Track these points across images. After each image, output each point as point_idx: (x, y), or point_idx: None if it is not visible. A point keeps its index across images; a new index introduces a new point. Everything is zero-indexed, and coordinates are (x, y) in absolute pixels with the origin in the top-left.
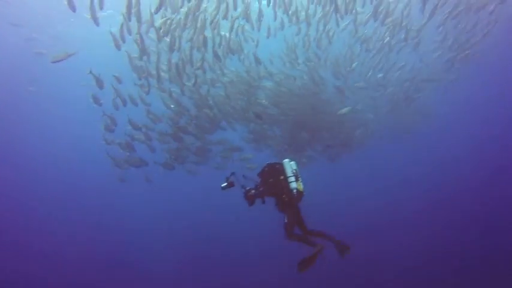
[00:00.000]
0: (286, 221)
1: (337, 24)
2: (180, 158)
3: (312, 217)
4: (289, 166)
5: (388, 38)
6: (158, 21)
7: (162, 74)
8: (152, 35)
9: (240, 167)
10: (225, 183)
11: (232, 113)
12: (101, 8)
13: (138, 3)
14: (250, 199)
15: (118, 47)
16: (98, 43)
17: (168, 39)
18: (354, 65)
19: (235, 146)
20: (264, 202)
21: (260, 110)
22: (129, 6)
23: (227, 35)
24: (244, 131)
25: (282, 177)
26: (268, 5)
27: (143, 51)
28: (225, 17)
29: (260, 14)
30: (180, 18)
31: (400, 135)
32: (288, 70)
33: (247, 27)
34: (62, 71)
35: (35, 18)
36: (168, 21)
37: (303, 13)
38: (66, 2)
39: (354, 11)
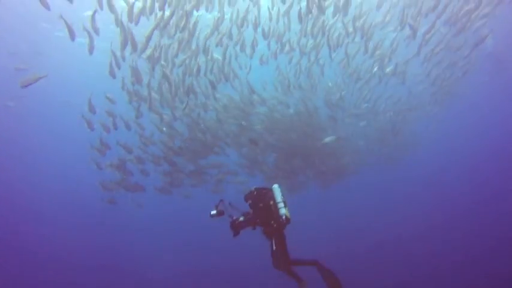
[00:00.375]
0: (274, 248)
1: (330, 57)
2: (175, 181)
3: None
4: (279, 192)
5: (376, 69)
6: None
7: (154, 95)
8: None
9: (235, 190)
10: (215, 211)
11: (224, 138)
12: (97, 34)
13: (130, 33)
14: (238, 228)
15: (113, 75)
16: (81, 60)
17: (163, 62)
18: (342, 93)
19: (231, 170)
20: (255, 228)
21: (253, 136)
22: (124, 37)
23: (219, 57)
24: (238, 155)
25: (271, 202)
26: (264, 37)
27: (138, 79)
28: (218, 44)
29: (254, 44)
30: (171, 44)
31: (389, 163)
32: (281, 96)
33: (239, 53)
34: (43, 87)
35: (16, 33)
36: (158, 49)
37: (295, 41)
38: (66, 30)
39: (345, 42)
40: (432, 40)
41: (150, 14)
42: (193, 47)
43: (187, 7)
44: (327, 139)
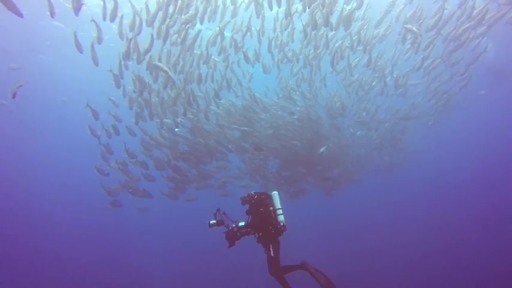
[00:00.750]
0: (272, 254)
1: (333, 67)
2: (180, 186)
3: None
4: (278, 198)
5: (376, 81)
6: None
7: (155, 99)
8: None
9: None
10: (214, 221)
11: (226, 144)
12: (100, 43)
13: (136, 43)
14: (234, 238)
15: (118, 85)
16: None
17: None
18: (343, 102)
19: (235, 174)
20: (254, 233)
21: (255, 142)
22: (127, 49)
23: (219, 60)
24: (240, 162)
25: (271, 208)
26: (269, 49)
27: (141, 89)
28: (220, 52)
29: (258, 54)
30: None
31: (389, 171)
32: (282, 102)
33: (242, 61)
34: (36, 86)
35: (9, 30)
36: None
37: (297, 51)
38: (74, 45)
39: (346, 54)
40: (431, 54)
41: (150, 25)
42: (195, 56)
43: (187, 16)
44: (321, 149)
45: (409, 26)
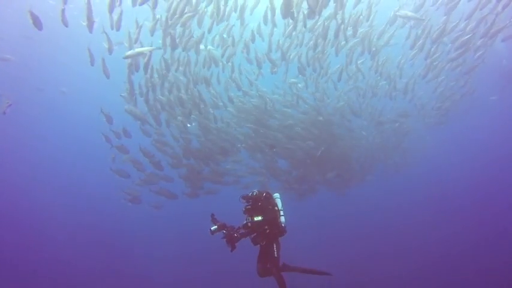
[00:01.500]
0: (276, 254)
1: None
2: (196, 184)
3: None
4: (280, 200)
5: (382, 84)
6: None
7: (162, 98)
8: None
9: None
10: (215, 226)
11: (236, 143)
12: (111, 53)
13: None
14: (235, 240)
15: (132, 94)
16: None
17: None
18: (343, 103)
19: (248, 169)
20: (262, 230)
21: (266, 140)
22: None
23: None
24: (251, 160)
25: (276, 208)
26: (283, 59)
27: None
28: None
29: (268, 55)
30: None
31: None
32: (290, 100)
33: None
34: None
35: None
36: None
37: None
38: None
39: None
40: (437, 60)
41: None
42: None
43: (185, 17)
44: (318, 152)
45: (402, 12)
